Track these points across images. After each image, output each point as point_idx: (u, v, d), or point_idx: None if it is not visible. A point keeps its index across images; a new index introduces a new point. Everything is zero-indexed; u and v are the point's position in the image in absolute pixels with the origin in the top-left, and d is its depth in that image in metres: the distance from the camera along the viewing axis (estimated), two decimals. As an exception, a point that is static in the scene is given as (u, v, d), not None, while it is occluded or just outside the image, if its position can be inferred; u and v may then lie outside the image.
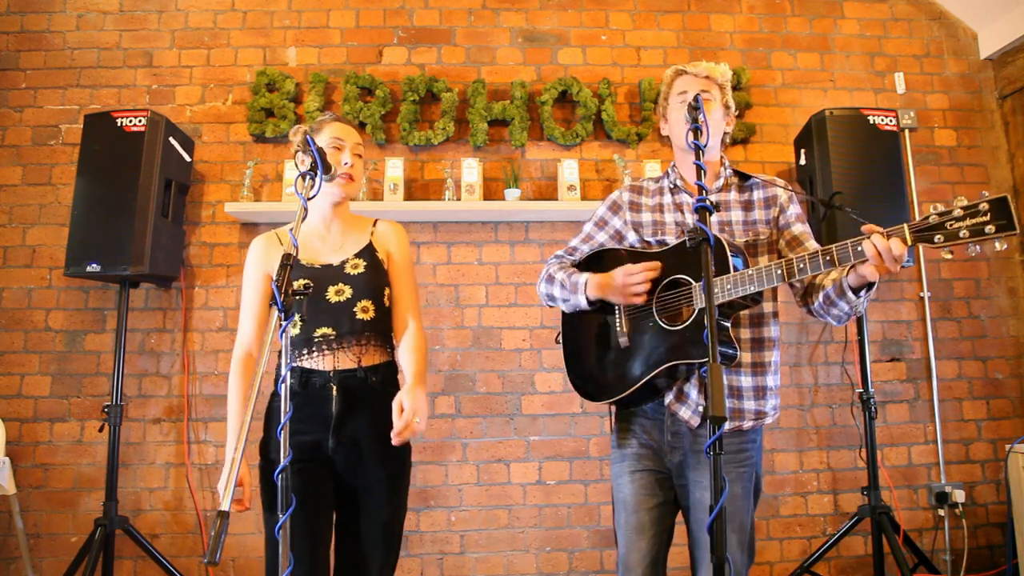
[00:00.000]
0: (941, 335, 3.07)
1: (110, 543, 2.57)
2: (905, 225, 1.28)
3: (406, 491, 1.78)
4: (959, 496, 2.89)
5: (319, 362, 1.69)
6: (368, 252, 1.81)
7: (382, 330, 1.77)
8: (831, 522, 2.92)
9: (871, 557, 2.76)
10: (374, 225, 1.90)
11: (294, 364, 1.70)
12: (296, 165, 1.85)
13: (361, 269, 1.77)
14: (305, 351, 1.70)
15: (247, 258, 1.80)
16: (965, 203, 1.21)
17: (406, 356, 1.75)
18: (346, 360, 1.70)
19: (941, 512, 2.92)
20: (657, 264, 1.59)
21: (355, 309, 1.72)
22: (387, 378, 1.76)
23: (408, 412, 1.55)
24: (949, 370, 3.06)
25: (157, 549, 2.65)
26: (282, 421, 1.26)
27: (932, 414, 3.01)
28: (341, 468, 1.70)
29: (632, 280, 1.57)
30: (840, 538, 2.72)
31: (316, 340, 1.70)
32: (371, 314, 1.74)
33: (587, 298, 1.68)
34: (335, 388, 1.67)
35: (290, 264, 1.33)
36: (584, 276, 1.69)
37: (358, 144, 1.82)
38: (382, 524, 1.70)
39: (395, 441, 1.55)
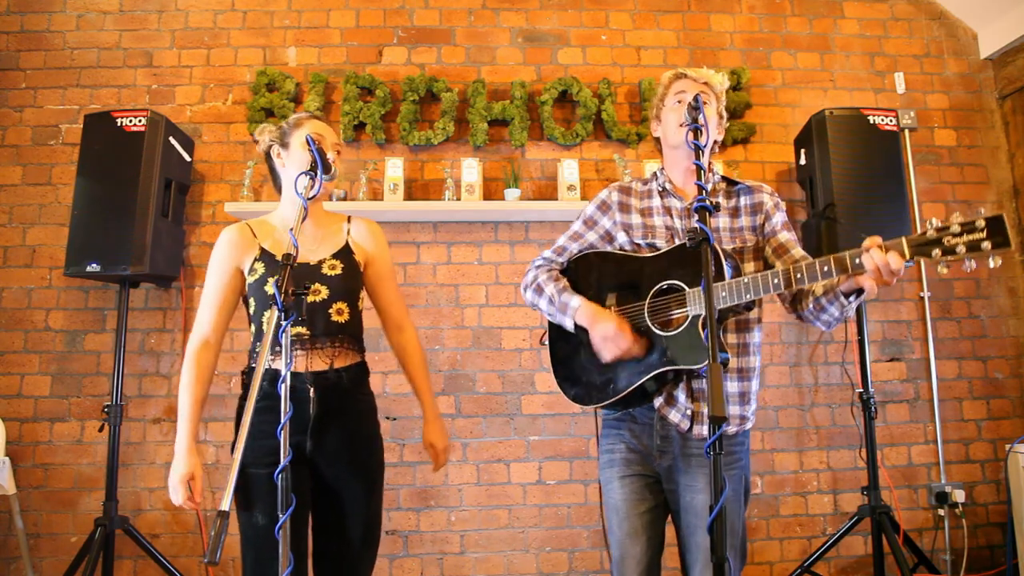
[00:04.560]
0: (941, 335, 3.07)
1: (110, 543, 2.57)
2: (904, 239, 1.29)
3: (382, 488, 1.81)
4: (959, 496, 2.89)
5: (292, 361, 1.65)
6: (345, 254, 1.78)
7: (354, 332, 1.76)
8: (831, 522, 2.92)
9: (871, 557, 2.76)
10: (348, 223, 1.86)
11: (268, 365, 1.64)
12: (272, 157, 1.81)
13: (338, 271, 1.74)
14: (279, 348, 1.60)
15: (217, 248, 1.73)
16: (962, 219, 1.23)
17: (417, 376, 1.90)
18: (319, 362, 1.67)
19: (941, 512, 2.92)
20: (640, 351, 1.59)
21: (330, 311, 1.70)
22: (358, 379, 1.76)
23: (443, 455, 1.89)
24: (949, 370, 3.06)
25: (157, 549, 2.65)
26: (282, 421, 1.26)
27: (932, 414, 3.01)
28: (321, 470, 1.68)
29: (613, 350, 1.57)
30: (840, 538, 2.72)
31: (290, 339, 1.62)
32: (345, 316, 1.72)
33: (575, 324, 1.67)
34: (312, 390, 1.64)
35: (290, 264, 1.33)
36: (576, 300, 1.66)
37: (336, 143, 1.81)
38: (363, 523, 1.72)
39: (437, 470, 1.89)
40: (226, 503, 1.06)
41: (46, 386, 2.84)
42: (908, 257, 1.28)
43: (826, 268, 1.37)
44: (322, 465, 1.68)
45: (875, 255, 1.30)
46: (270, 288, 1.65)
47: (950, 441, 3.00)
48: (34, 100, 3.04)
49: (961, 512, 2.90)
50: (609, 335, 1.57)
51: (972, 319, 3.10)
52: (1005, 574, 2.80)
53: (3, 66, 3.06)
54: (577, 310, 1.65)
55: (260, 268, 1.70)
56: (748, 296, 1.45)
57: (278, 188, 1.84)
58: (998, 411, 3.04)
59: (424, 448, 1.90)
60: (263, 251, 1.71)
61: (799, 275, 1.40)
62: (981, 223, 1.20)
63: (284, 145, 1.78)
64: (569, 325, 1.68)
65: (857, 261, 1.33)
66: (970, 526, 2.92)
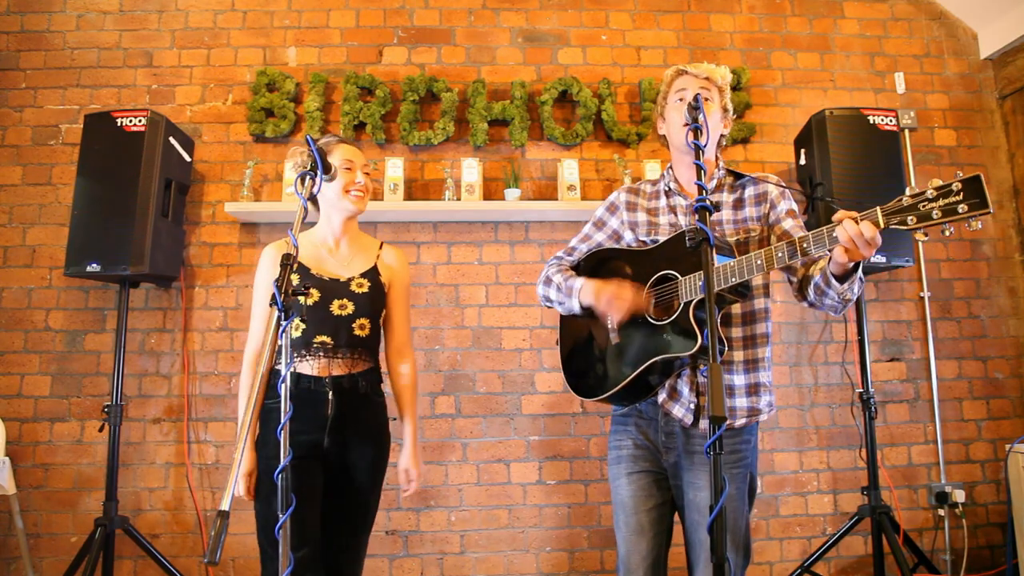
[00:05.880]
0: (941, 335, 3.07)
1: (110, 543, 2.57)
2: (878, 208, 1.27)
3: (383, 482, 1.97)
4: (959, 496, 2.89)
5: (314, 366, 1.81)
6: (373, 274, 1.94)
7: (373, 345, 1.93)
8: (831, 522, 2.92)
9: (871, 557, 2.76)
10: (380, 248, 2.03)
11: (293, 368, 1.78)
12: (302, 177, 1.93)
13: (365, 289, 1.90)
14: (304, 352, 1.81)
15: (261, 265, 1.92)
16: (939, 184, 1.19)
17: (407, 403, 2.00)
18: (339, 368, 1.83)
19: (941, 512, 2.92)
20: (642, 298, 1.61)
21: (353, 325, 1.86)
22: (373, 382, 1.93)
23: (415, 483, 1.96)
24: (949, 370, 3.06)
25: (157, 549, 2.65)
26: (282, 421, 1.27)
27: (932, 414, 3.01)
28: (334, 464, 1.83)
29: (621, 306, 1.60)
30: (840, 538, 2.72)
31: (315, 346, 1.81)
32: (367, 332, 1.89)
33: (580, 303, 1.71)
34: (331, 392, 1.80)
35: (290, 264, 1.34)
36: (579, 281, 1.71)
37: (366, 164, 1.96)
38: (366, 511, 1.91)
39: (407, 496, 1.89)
40: (226, 503, 1.06)
41: (46, 386, 2.84)
42: (883, 226, 1.26)
43: (805, 244, 1.37)
44: (335, 460, 1.82)
45: (847, 225, 1.29)
46: (303, 299, 1.79)
47: (950, 441, 3.00)
48: (34, 100, 3.04)
49: (961, 512, 2.90)
50: (612, 294, 1.61)
51: (972, 319, 3.10)
52: (1005, 574, 2.80)
53: (3, 66, 3.06)
54: (580, 289, 1.70)
55: (295, 279, 1.83)
56: (734, 279, 1.46)
57: (316, 208, 1.99)
58: (998, 411, 3.04)
59: (399, 473, 1.98)
60: (300, 264, 1.87)
61: (780, 254, 1.40)
62: (957, 186, 1.16)
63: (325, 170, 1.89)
64: (575, 306, 1.72)
65: (833, 234, 1.33)
66: (970, 526, 2.92)
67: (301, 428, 1.74)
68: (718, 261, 1.49)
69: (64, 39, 3.09)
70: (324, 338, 1.81)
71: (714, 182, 1.72)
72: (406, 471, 1.96)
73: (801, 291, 1.62)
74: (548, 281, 1.81)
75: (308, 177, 1.51)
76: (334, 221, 1.93)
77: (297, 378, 1.79)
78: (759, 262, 1.42)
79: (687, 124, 1.43)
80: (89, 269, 2.56)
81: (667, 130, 1.76)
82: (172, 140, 2.76)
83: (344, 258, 1.94)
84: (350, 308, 1.86)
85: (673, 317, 1.54)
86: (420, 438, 2.86)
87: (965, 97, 3.27)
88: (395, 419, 2.01)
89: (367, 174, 1.94)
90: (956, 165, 3.20)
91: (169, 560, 2.64)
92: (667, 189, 1.77)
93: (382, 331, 2.01)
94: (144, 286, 2.90)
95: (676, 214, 1.73)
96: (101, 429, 2.65)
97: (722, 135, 1.76)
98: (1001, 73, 3.25)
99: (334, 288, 1.86)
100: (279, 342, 1.29)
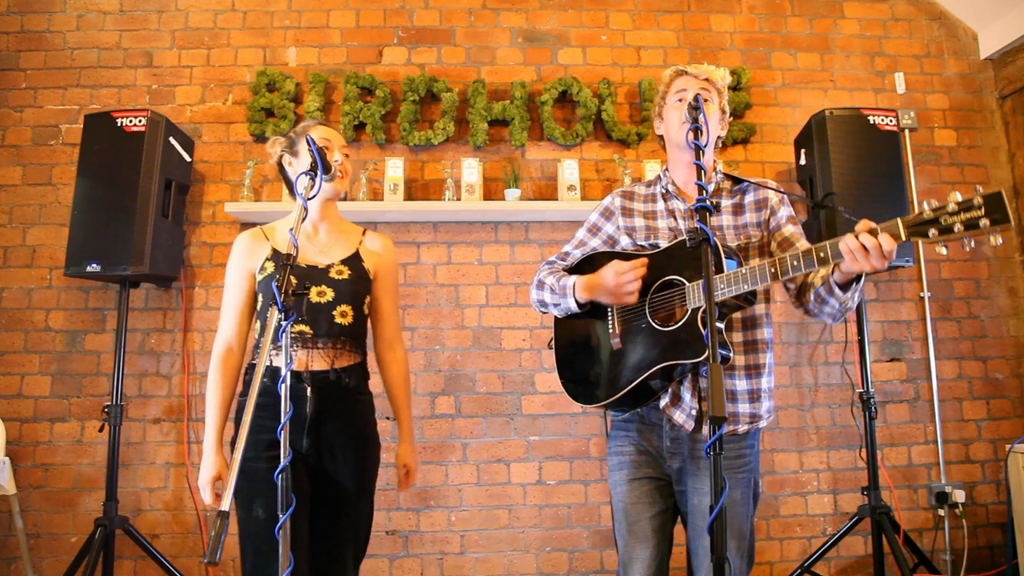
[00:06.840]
0: (941, 335, 3.07)
1: (110, 543, 2.56)
2: (899, 220, 1.26)
3: (374, 487, 1.84)
4: (959, 496, 2.89)
5: (292, 360, 1.69)
6: (354, 261, 1.84)
7: (357, 335, 1.81)
8: (831, 522, 2.92)
9: (871, 557, 2.76)
10: (363, 235, 1.94)
11: (270, 362, 1.67)
12: (284, 167, 1.89)
13: (345, 275, 1.79)
14: (281, 343, 1.68)
15: (231, 254, 1.83)
16: (959, 198, 1.19)
17: (400, 398, 1.94)
18: (320, 361, 1.72)
19: (941, 512, 2.92)
20: (645, 261, 1.57)
21: (334, 312, 1.75)
22: (360, 379, 1.81)
23: (413, 476, 1.92)
24: (949, 370, 3.06)
25: (157, 549, 2.65)
26: (282, 421, 1.26)
27: (932, 414, 3.01)
28: (315, 468, 1.71)
29: (623, 279, 1.54)
30: (840, 538, 2.72)
31: (292, 336, 1.68)
32: (349, 319, 1.77)
33: (576, 300, 1.65)
34: (309, 389, 1.69)
35: (290, 265, 1.33)
36: (573, 278, 1.66)
37: (344, 146, 1.88)
38: (353, 520, 1.76)
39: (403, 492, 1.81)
40: (226, 503, 1.06)
41: (46, 386, 2.84)
42: (904, 239, 1.25)
43: (821, 255, 1.36)
44: (315, 464, 1.71)
45: (864, 238, 1.28)
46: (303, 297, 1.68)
47: (950, 441, 3.00)
48: (34, 100, 3.04)
49: (961, 512, 2.90)
50: (613, 281, 1.55)
51: (972, 319, 3.10)
52: (1005, 574, 2.80)
53: (3, 66, 3.06)
54: (575, 286, 1.65)
55: (270, 267, 1.77)
56: (745, 286, 1.44)
57: (294, 195, 1.88)
58: (998, 411, 3.04)
59: (397, 469, 1.93)
60: (275, 251, 1.79)
61: (795, 262, 1.38)
62: (979, 200, 1.16)
63: (294, 153, 1.85)
64: (572, 304, 1.67)
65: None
66: (970, 526, 2.92)
67: (275, 427, 1.59)
68: (727, 267, 1.47)
69: (64, 39, 3.09)
70: (302, 327, 1.69)
71: (712, 186, 1.70)
72: (405, 467, 1.90)
73: (799, 298, 1.60)
74: (541, 284, 1.76)
75: (309, 176, 1.51)
76: (311, 205, 1.81)
77: (273, 373, 1.66)
78: (772, 271, 1.40)
79: (685, 123, 1.42)
80: (89, 269, 2.56)
81: (665, 130, 1.74)
82: (172, 140, 2.76)
83: (323, 244, 1.84)
84: (329, 295, 1.75)
85: (681, 323, 1.51)
86: (420, 438, 2.87)
87: (965, 97, 3.27)
88: (393, 419, 1.98)
89: (346, 155, 1.86)
90: (956, 165, 3.20)
91: (169, 560, 2.64)
92: (664, 192, 1.74)
93: (369, 323, 1.90)
94: (144, 286, 2.90)
95: (675, 218, 1.70)
96: (101, 429, 2.65)
97: (719, 136, 1.73)
98: (1001, 73, 3.25)
99: (312, 275, 1.75)
100: (264, 338, 1.28)
